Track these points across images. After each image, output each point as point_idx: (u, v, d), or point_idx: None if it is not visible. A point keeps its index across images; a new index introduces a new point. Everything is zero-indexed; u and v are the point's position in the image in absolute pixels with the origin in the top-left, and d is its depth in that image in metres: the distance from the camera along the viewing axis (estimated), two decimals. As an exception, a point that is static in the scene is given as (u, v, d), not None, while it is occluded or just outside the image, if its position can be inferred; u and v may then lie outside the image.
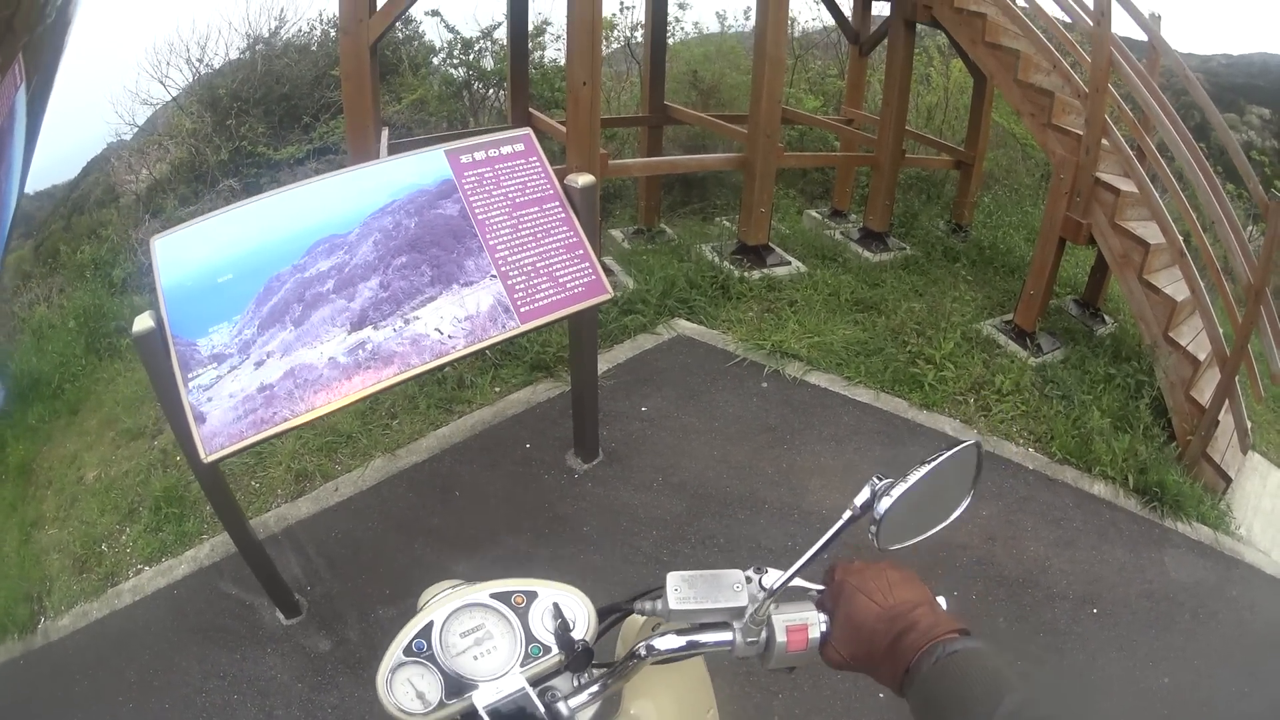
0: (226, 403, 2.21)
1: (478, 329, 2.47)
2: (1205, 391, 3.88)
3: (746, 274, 5.05)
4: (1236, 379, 3.74)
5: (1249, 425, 3.96)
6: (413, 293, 2.48)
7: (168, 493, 3.49)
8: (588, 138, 4.12)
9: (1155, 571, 3.25)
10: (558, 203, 2.75)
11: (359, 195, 2.58)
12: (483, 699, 0.86)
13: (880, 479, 0.91)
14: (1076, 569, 3.21)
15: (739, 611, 0.92)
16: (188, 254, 2.36)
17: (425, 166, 2.69)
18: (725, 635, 0.92)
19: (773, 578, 0.92)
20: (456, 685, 0.87)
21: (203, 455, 2.16)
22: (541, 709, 0.86)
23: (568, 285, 2.63)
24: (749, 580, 0.93)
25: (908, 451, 3.70)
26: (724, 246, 5.36)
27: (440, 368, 2.50)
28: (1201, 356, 3.91)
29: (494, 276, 2.56)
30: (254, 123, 7.36)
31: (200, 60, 8.06)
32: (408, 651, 0.89)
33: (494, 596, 0.93)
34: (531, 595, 0.94)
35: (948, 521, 0.97)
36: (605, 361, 4.18)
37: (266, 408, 2.23)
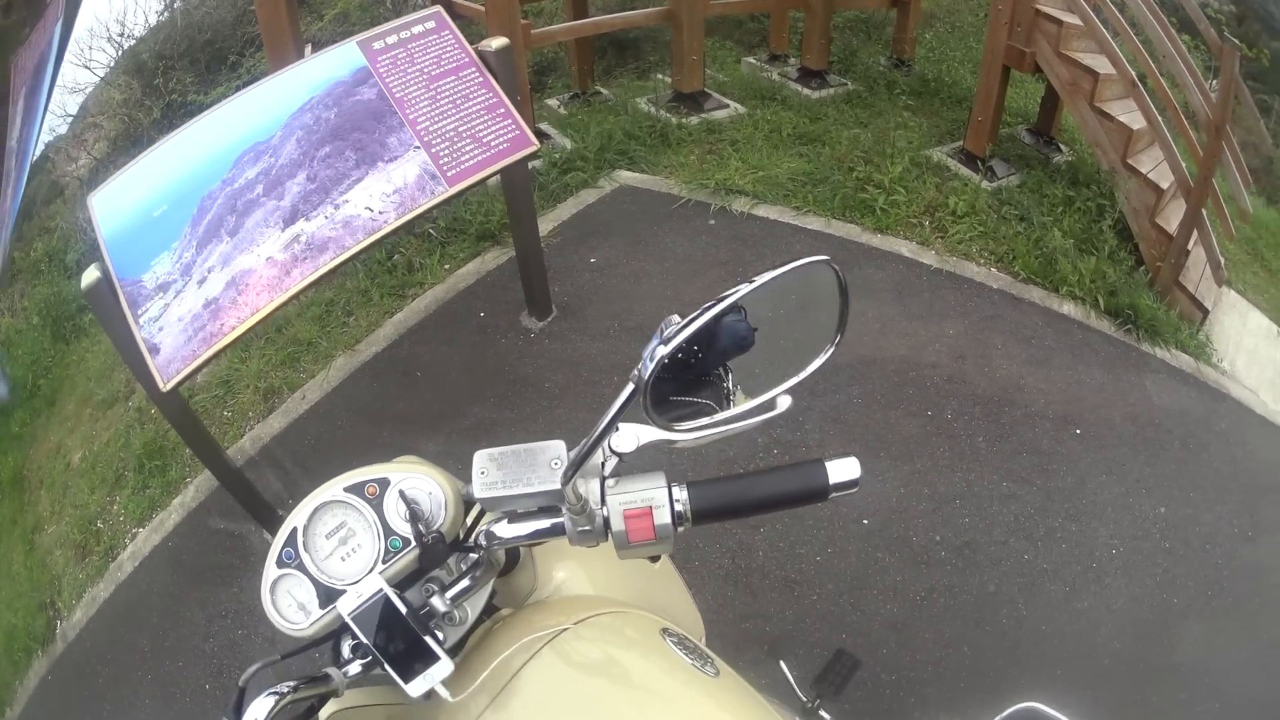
0: (176, 327, 2.27)
1: (407, 200, 2.51)
2: (1172, 220, 3.80)
3: (685, 120, 4.98)
4: (1205, 214, 3.67)
5: (1222, 259, 3.91)
6: (339, 178, 2.51)
7: (148, 447, 3.44)
8: (506, 11, 4.07)
9: (1137, 395, 3.19)
10: (474, 69, 2.75)
11: (278, 101, 2.60)
12: (346, 606, 0.75)
13: (677, 320, 0.71)
14: (1053, 389, 3.17)
15: (559, 494, 0.76)
16: (123, 200, 2.41)
17: (340, 60, 2.69)
18: (558, 520, 0.78)
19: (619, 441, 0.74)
20: (328, 591, 0.79)
21: (161, 384, 2.22)
22: (403, 608, 0.75)
23: (492, 144, 2.65)
24: None
25: (864, 273, 3.72)
26: (660, 98, 5.28)
27: (377, 244, 2.54)
28: (1164, 186, 3.83)
29: (417, 148, 2.58)
30: (181, 75, 7.22)
31: (122, 35, 7.87)
32: (279, 563, 0.81)
33: (347, 490, 0.83)
34: (384, 483, 0.83)
35: (800, 378, 0.75)
36: (549, 221, 4.18)
37: (214, 320, 2.29)
